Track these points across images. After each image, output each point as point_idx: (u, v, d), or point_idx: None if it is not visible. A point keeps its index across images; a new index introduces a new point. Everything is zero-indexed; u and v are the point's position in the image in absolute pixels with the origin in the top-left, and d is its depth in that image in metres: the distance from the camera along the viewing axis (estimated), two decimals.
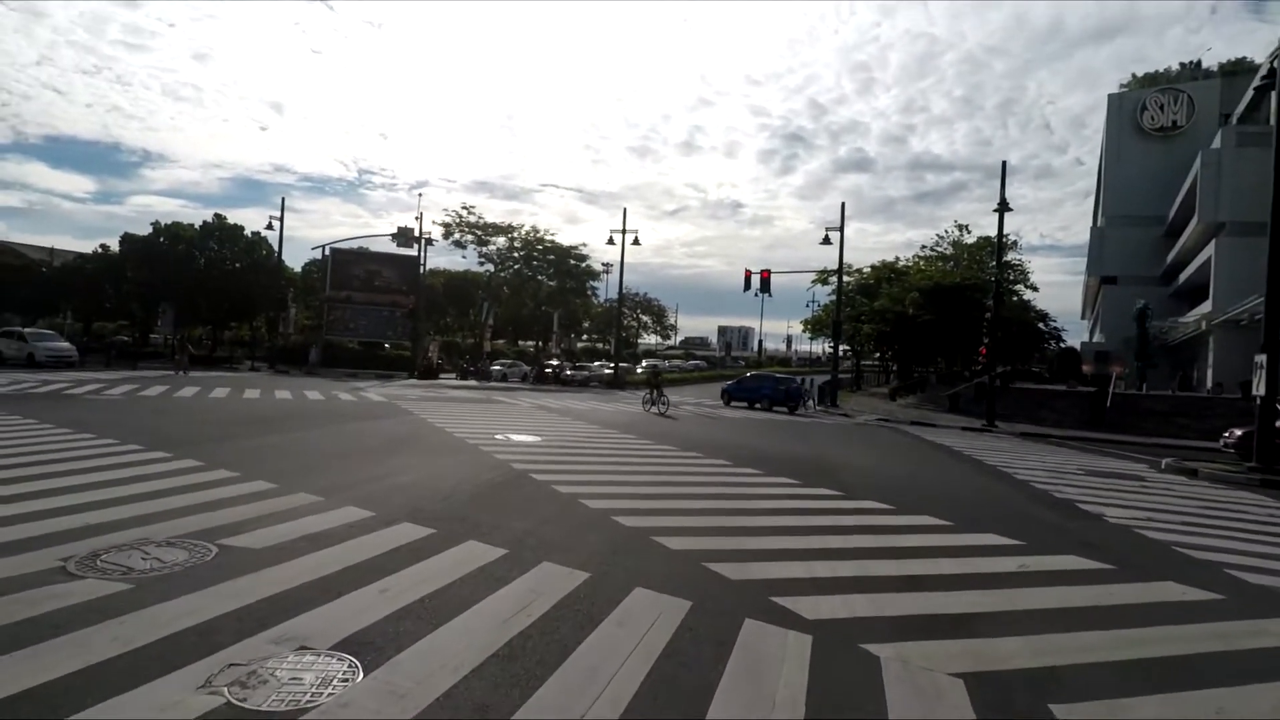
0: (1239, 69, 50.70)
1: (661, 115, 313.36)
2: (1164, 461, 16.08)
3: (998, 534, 7.73)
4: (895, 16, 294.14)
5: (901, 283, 43.52)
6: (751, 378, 32.76)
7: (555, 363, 45.43)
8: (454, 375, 41.42)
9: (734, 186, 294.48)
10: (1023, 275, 49.03)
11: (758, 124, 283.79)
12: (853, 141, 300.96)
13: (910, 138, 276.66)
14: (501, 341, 61.93)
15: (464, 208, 60.66)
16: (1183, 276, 50.75)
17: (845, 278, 47.79)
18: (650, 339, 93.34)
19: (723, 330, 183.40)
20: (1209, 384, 38.31)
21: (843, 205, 34.74)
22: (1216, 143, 42.96)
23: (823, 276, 51.36)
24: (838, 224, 33.54)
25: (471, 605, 4.57)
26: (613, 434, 15.82)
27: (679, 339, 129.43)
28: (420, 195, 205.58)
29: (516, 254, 51.72)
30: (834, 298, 40.34)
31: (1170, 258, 52.61)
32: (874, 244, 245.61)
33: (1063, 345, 58.62)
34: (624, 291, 68.11)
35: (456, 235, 49.25)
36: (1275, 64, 15.74)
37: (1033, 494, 11.00)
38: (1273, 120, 16.75)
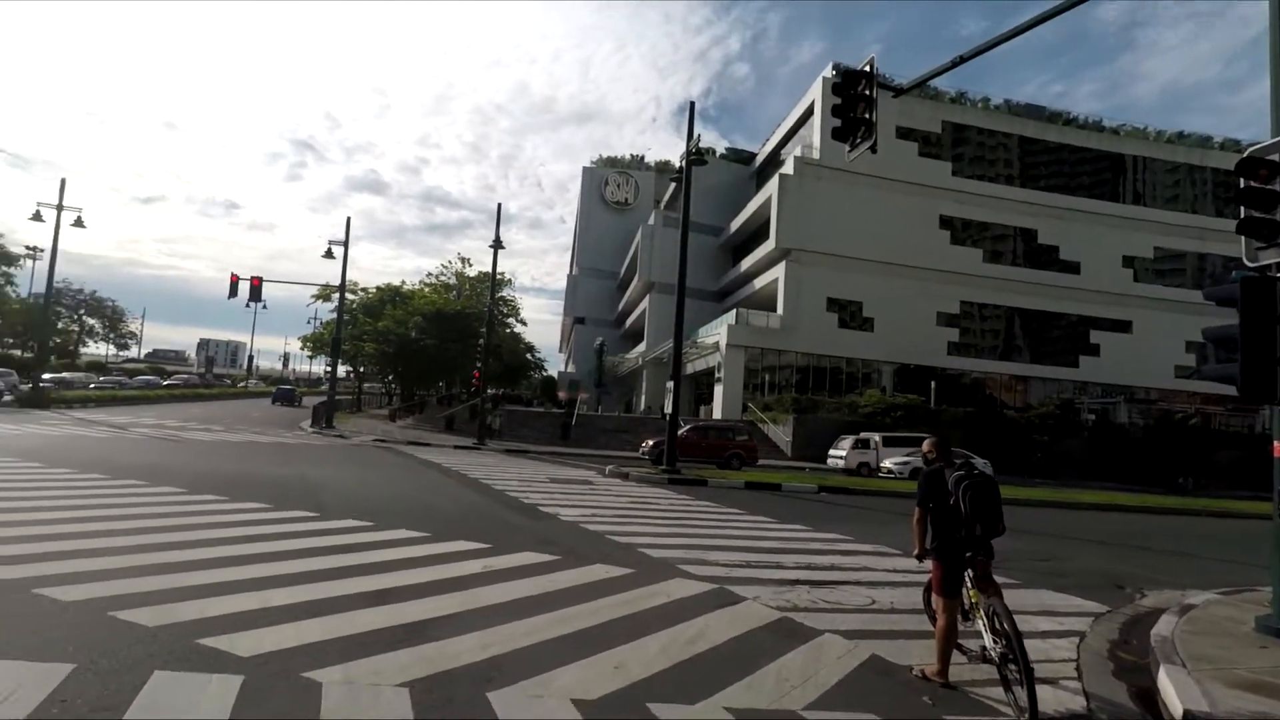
0: (666, 169, 66.56)
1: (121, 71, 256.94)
2: (607, 468, 19.54)
3: (468, 540, 8.12)
4: (415, 48, 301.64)
5: (406, 306, 43.95)
6: None
7: None
8: None
9: (230, 183, 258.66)
10: (515, 311, 54.52)
11: (262, 120, 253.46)
12: (367, 162, 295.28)
13: (424, 170, 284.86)
14: None
15: None
16: (629, 321, 63.78)
17: (350, 296, 45.91)
18: (100, 348, 73.42)
19: (204, 343, 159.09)
20: (643, 406, 48.67)
21: (348, 220, 33.45)
22: (651, 220, 55.38)
23: (325, 292, 48.60)
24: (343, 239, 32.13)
25: None
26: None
27: (144, 350, 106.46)
28: None
29: None
30: (336, 315, 38.26)
31: (620, 306, 65.56)
32: (384, 267, 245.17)
33: (544, 373, 67.22)
34: (62, 286, 53.61)
35: None
36: (682, 168, 20.95)
37: (505, 501, 12.02)
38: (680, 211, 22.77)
